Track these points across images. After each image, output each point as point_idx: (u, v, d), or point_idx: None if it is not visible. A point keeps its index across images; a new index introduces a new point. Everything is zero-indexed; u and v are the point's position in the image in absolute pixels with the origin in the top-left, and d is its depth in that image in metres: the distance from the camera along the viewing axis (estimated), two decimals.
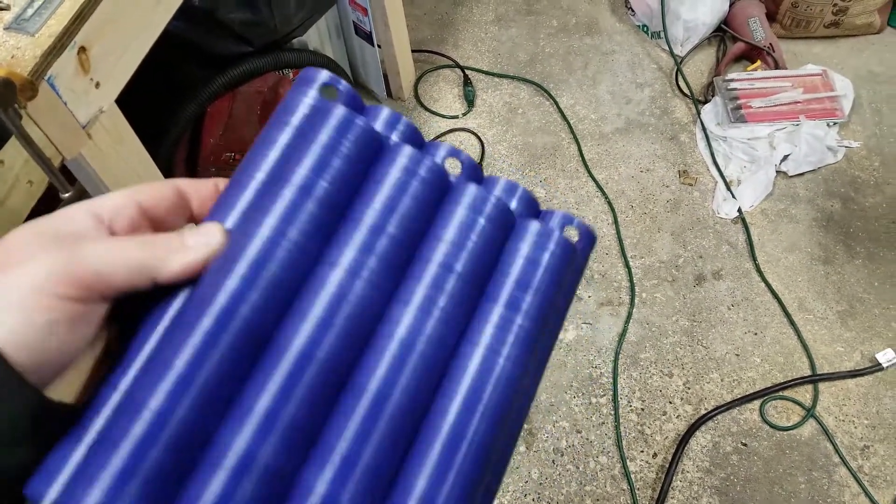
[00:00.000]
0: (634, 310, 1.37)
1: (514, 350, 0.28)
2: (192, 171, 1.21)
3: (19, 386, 0.21)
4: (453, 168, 0.30)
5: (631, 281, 1.41)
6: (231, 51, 1.16)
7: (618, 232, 1.47)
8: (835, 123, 1.58)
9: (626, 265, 1.43)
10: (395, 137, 0.29)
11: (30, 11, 0.63)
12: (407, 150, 0.28)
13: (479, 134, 1.63)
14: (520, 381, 0.28)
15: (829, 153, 1.54)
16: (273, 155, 0.27)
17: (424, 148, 0.31)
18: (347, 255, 0.26)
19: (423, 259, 0.27)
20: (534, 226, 0.30)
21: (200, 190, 0.28)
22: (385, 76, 1.64)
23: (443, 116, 1.67)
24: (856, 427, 1.24)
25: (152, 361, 0.23)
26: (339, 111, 0.27)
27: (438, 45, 1.79)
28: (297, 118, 0.27)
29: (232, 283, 0.24)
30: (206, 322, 0.23)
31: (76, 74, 0.66)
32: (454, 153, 0.31)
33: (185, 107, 1.15)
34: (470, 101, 1.68)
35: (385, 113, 0.30)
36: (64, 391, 0.23)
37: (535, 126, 1.65)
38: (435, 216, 0.29)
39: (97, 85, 0.70)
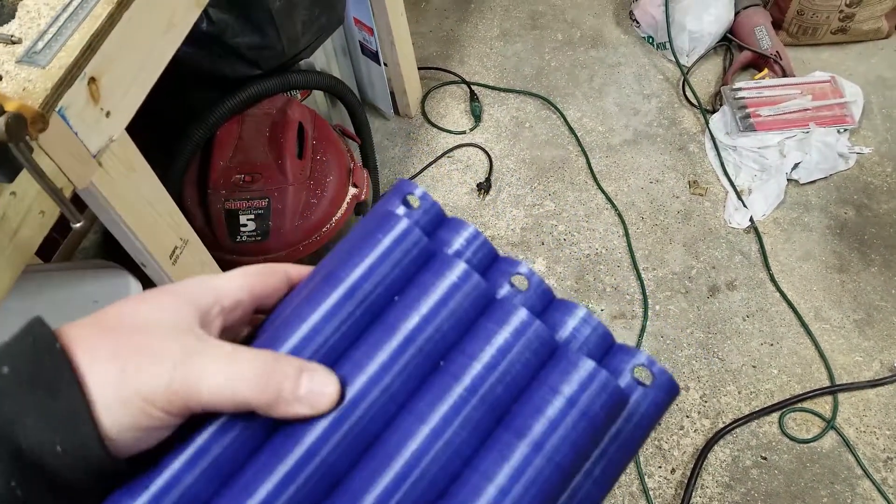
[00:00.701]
0: (648, 322, 1.36)
1: (528, 499, 0.25)
2: (202, 194, 1.21)
3: (103, 454, 0.22)
4: (521, 285, 0.30)
5: (644, 293, 1.40)
6: (239, 74, 1.16)
7: (629, 244, 1.46)
8: (845, 130, 1.56)
9: (639, 277, 1.42)
10: (468, 252, 0.30)
11: (40, 44, 0.63)
12: (458, 267, 0.28)
13: (486, 149, 1.63)
14: None
15: (840, 160, 1.53)
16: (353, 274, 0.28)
17: (496, 262, 0.31)
18: (374, 362, 0.26)
19: (450, 374, 0.26)
20: (586, 364, 0.27)
21: (304, 276, 0.29)
22: (392, 94, 1.65)
23: (450, 132, 1.67)
24: (878, 438, 1.21)
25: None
26: (401, 226, 0.29)
27: (444, 62, 1.80)
28: (387, 239, 0.29)
29: None
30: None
31: (87, 105, 0.67)
32: (526, 272, 0.30)
33: (194, 130, 1.16)
34: (477, 116, 1.69)
35: (467, 231, 0.31)
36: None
37: (542, 139, 1.65)
38: (476, 333, 0.27)
39: (107, 114, 0.70)
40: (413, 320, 0.27)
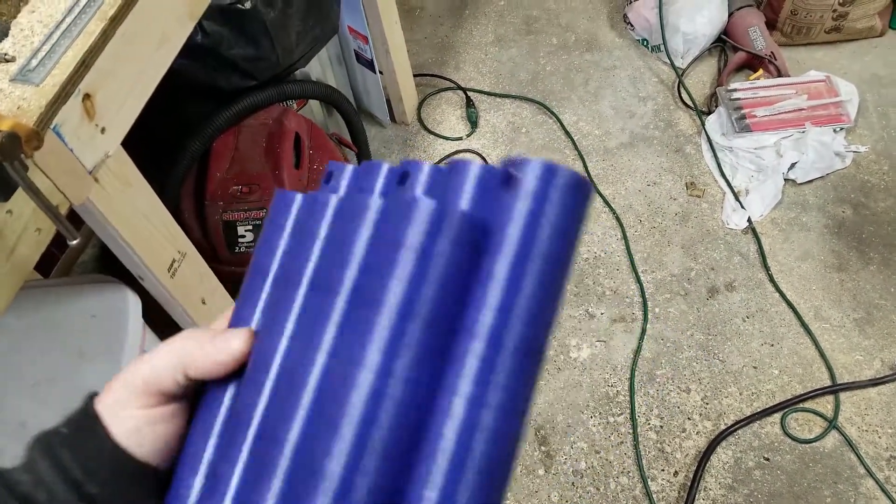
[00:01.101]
0: (648, 325, 1.36)
1: (410, 366, 0.24)
2: (200, 206, 1.21)
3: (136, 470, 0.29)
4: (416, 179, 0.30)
5: (643, 296, 1.40)
6: (235, 85, 1.17)
7: (627, 247, 1.46)
8: (841, 129, 1.57)
9: (638, 280, 1.42)
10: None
11: (34, 62, 0.63)
12: (329, 202, 0.29)
13: (483, 155, 1.63)
14: (408, 406, 0.24)
15: (836, 159, 1.53)
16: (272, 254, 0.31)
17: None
18: (280, 321, 0.29)
19: (324, 289, 0.27)
20: (424, 206, 0.25)
21: None
22: (388, 101, 1.65)
23: (447, 139, 1.67)
24: (880, 437, 1.21)
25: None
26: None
27: (440, 69, 1.80)
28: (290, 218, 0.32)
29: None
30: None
31: (82, 121, 0.67)
32: (413, 166, 0.29)
33: (190, 142, 1.16)
34: (473, 122, 1.69)
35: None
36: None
37: (538, 144, 1.65)
38: (343, 241, 0.27)
39: (103, 130, 0.70)
40: (308, 265, 0.28)
